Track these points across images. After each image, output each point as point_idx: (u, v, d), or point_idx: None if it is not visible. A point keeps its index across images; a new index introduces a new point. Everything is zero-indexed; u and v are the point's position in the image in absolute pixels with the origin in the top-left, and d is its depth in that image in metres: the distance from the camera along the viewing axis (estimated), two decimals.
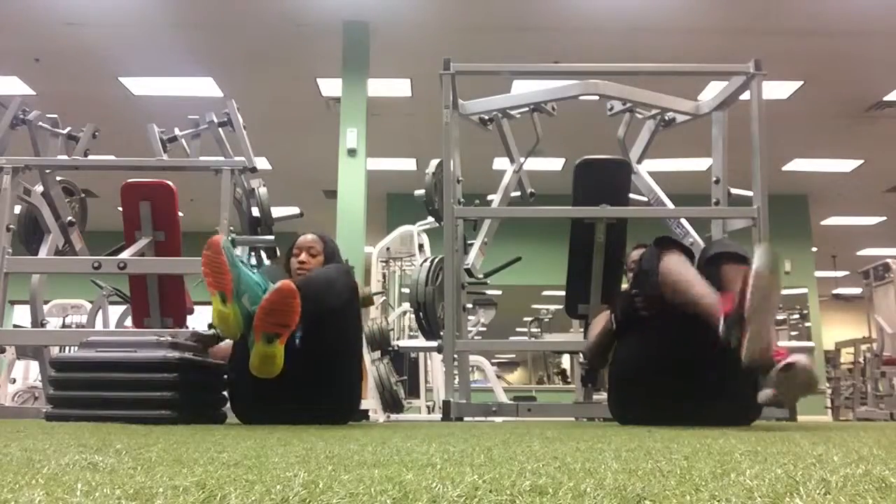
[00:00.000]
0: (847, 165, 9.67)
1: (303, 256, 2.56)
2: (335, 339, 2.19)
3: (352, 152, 6.13)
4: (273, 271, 2.32)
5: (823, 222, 11.79)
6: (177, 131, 3.94)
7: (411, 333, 6.46)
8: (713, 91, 4.82)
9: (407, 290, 5.25)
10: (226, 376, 2.30)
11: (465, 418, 3.04)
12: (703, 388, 2.15)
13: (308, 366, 2.16)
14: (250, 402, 2.05)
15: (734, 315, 1.88)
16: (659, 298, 2.15)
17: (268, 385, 2.09)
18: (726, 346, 1.94)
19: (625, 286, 3.01)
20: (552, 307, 9.19)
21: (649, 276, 2.15)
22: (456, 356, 3.11)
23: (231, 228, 3.47)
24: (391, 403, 4.89)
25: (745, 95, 3.25)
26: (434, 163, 4.00)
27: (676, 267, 2.11)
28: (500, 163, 6.42)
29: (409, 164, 9.54)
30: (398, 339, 6.30)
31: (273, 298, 1.80)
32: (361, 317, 2.35)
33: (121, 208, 3.75)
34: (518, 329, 15.69)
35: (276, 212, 4.10)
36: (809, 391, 1.94)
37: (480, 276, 3.58)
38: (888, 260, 7.32)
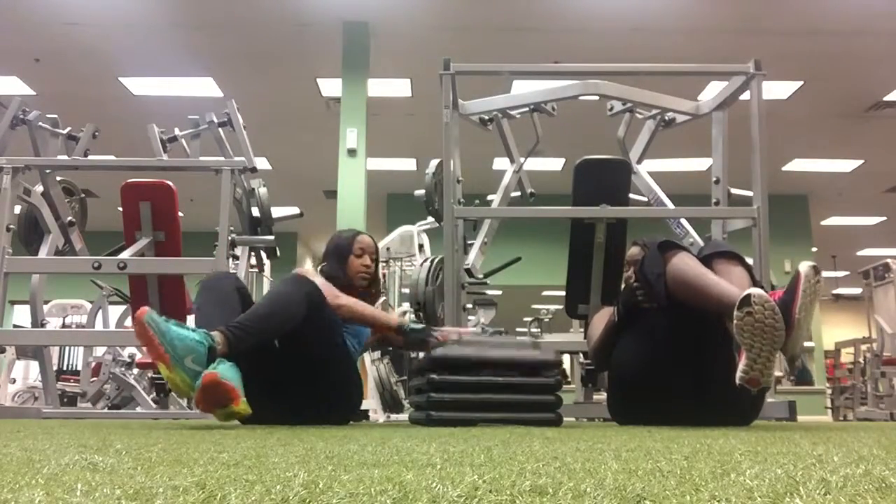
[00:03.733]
0: (847, 165, 9.67)
1: (368, 260, 2.56)
2: (312, 343, 2.18)
3: (352, 152, 6.13)
4: (217, 293, 2.16)
5: (823, 222, 11.79)
6: (177, 131, 3.95)
7: None
8: (713, 91, 4.82)
9: (407, 290, 5.25)
10: None
11: None
12: (703, 390, 2.15)
13: (294, 369, 2.16)
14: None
15: (782, 307, 1.85)
16: (664, 300, 2.13)
17: (261, 387, 2.09)
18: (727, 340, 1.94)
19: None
20: (552, 307, 9.17)
21: (655, 284, 2.12)
22: None
23: (231, 228, 3.47)
24: (391, 403, 4.89)
25: (745, 95, 3.25)
26: (434, 163, 4.00)
27: (685, 264, 2.11)
28: (500, 163, 6.42)
29: (409, 164, 9.54)
30: None
31: (200, 397, 1.76)
32: (335, 317, 2.30)
33: (121, 208, 3.75)
34: (518, 329, 15.71)
35: (276, 212, 4.10)
36: (777, 337, 1.82)
37: (480, 276, 3.58)
38: (888, 260, 7.32)
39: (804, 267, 1.90)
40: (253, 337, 1.95)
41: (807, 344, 9.87)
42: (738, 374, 1.86)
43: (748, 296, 1.84)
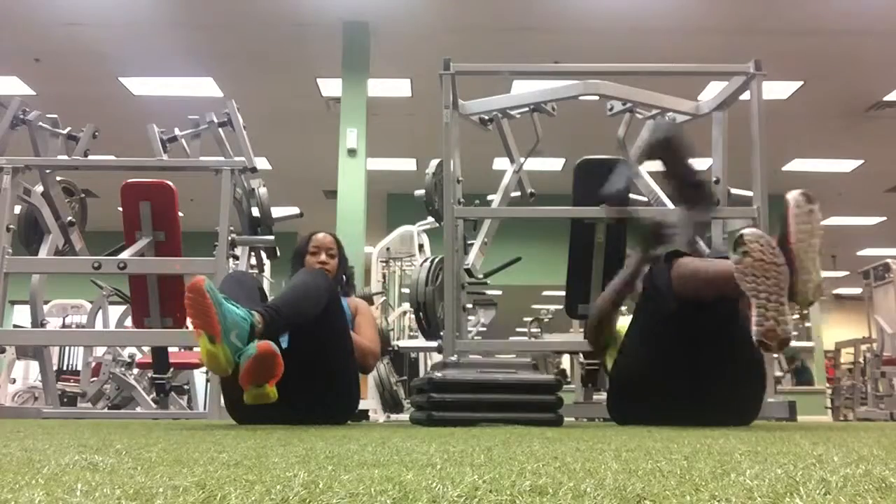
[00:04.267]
0: (847, 165, 9.67)
1: (323, 257, 2.59)
2: (322, 339, 2.18)
3: (352, 152, 6.13)
4: (241, 283, 2.21)
5: (823, 222, 11.70)
6: (177, 131, 3.94)
7: (411, 333, 6.46)
8: (713, 91, 4.82)
9: (407, 290, 5.25)
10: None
11: None
12: (703, 390, 2.15)
13: (299, 367, 2.16)
14: (246, 405, 2.05)
15: (778, 241, 1.79)
16: (675, 306, 2.10)
17: None
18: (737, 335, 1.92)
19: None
20: (552, 307, 9.18)
21: (666, 293, 2.10)
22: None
23: (231, 228, 3.46)
24: (391, 403, 4.90)
25: (745, 95, 3.25)
26: (434, 163, 4.00)
27: (689, 261, 2.10)
28: (500, 163, 6.43)
29: (409, 164, 9.54)
30: (398, 339, 6.30)
31: (253, 366, 1.76)
32: (345, 315, 2.32)
33: (121, 208, 3.75)
34: (518, 329, 15.71)
35: (276, 212, 4.10)
36: (781, 275, 1.74)
37: (480, 276, 3.58)
38: (888, 260, 7.31)
39: (791, 193, 1.85)
40: (284, 321, 1.97)
41: (807, 344, 9.86)
42: (753, 330, 1.79)
43: (740, 235, 1.79)
